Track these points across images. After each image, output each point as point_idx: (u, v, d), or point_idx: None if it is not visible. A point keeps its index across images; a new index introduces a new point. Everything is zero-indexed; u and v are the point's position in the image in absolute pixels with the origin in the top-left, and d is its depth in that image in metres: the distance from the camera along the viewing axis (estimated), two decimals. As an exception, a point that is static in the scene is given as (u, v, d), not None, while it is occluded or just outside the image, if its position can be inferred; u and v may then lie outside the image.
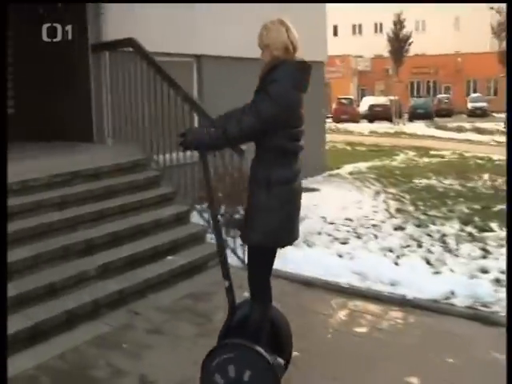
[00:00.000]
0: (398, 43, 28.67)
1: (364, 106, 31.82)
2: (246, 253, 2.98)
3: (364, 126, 26.66)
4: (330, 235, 6.55)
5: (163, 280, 4.77)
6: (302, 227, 6.64)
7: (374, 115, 30.34)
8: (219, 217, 3.11)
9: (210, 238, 5.82)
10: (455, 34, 46.54)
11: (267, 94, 2.62)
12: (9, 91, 7.49)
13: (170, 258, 5.09)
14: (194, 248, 5.39)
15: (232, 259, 5.42)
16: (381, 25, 49.81)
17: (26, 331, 3.67)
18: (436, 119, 30.88)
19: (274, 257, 2.94)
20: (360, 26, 51.76)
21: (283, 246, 2.90)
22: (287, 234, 2.82)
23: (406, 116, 32.03)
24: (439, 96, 37.60)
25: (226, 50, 8.48)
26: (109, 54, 6.56)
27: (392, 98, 30.16)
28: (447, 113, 33.35)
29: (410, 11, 36.24)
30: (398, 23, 29.05)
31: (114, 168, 5.63)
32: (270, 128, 2.65)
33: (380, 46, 41.72)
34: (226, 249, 3.06)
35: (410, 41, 29.01)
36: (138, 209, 5.31)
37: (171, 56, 7.22)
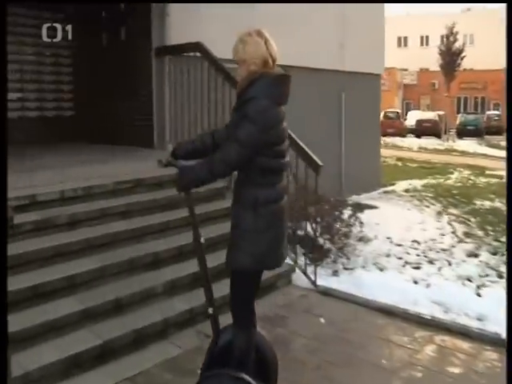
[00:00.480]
0: (450, 57, 27.93)
1: (411, 120, 31.15)
2: (230, 276, 2.81)
3: (412, 141, 26.04)
4: (399, 258, 6.21)
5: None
6: (370, 248, 6.57)
7: (421, 130, 29.62)
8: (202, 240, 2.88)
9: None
10: (504, 49, 45.28)
11: (246, 116, 2.50)
12: (67, 94, 7.45)
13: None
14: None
15: (299, 279, 5.19)
16: (427, 37, 49.10)
17: (95, 349, 3.46)
18: (486, 137, 30.00)
19: (259, 279, 2.84)
20: (406, 38, 51.03)
21: (272, 268, 2.80)
22: (276, 255, 2.71)
23: (452, 132, 31.22)
24: (488, 113, 36.54)
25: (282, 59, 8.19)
26: (172, 58, 6.39)
27: (440, 113, 29.44)
28: (497, 130, 32.27)
29: (458, 24, 35.49)
30: (451, 36, 28.31)
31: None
32: (256, 151, 2.54)
33: (426, 59, 41.06)
34: (209, 274, 2.90)
35: (463, 55, 28.24)
36: (204, 221, 5.06)
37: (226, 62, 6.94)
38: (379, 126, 12.58)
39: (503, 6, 41.41)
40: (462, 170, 15.97)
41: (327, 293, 5.00)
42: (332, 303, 4.83)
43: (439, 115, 29.64)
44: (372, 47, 10.95)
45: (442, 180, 13.89)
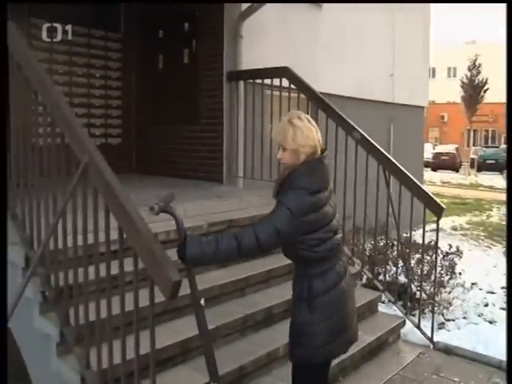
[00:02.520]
0: (473, 89, 27.90)
1: (426, 153, 30.99)
2: (292, 371, 2.71)
3: (431, 175, 25.73)
4: (502, 309, 5.71)
5: (354, 362, 4.00)
6: (462, 295, 6.09)
7: (438, 163, 29.43)
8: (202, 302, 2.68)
9: (384, 306, 5.10)
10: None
11: (282, 203, 2.44)
12: (115, 119, 7.02)
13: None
14: (370, 319, 4.64)
15: (412, 335, 4.70)
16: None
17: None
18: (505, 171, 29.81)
19: (325, 373, 2.71)
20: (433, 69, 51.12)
21: (335, 357, 2.72)
22: (338, 343, 2.60)
23: (465, 166, 31.04)
24: (502, 146, 36.61)
25: (340, 89, 7.91)
26: (247, 84, 5.99)
27: (456, 146, 29.29)
28: (512, 165, 32.21)
29: (464, 56, 35.60)
30: (474, 68, 28.34)
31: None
32: (290, 236, 2.45)
33: (454, 91, 40.96)
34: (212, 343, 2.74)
35: (486, 87, 28.24)
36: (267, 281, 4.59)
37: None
38: (423, 160, 12.24)
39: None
40: (499, 206, 15.60)
41: (450, 351, 4.50)
42: (461, 364, 4.33)
43: (457, 149, 29.50)
44: (418, 78, 10.74)
45: (484, 217, 13.53)
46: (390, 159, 4.85)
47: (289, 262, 2.72)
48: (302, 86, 5.32)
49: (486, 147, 33.68)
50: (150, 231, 2.36)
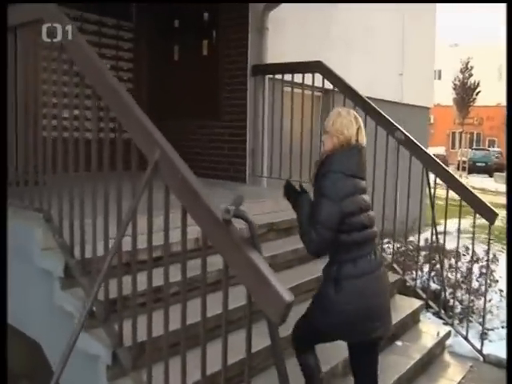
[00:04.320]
0: (465, 92, 27.94)
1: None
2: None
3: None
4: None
5: (408, 378, 3.75)
6: (502, 303, 5.87)
7: (428, 165, 29.34)
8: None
9: (427, 316, 4.87)
10: (499, 85, 46.21)
11: (320, 190, 2.61)
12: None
13: (399, 343, 4.10)
14: (414, 329, 4.41)
15: (459, 346, 4.49)
16: (439, 72, 49.61)
17: None
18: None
19: (321, 341, 2.87)
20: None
21: (349, 340, 2.81)
22: (357, 331, 2.65)
23: (453, 168, 31.11)
24: (492, 149, 36.92)
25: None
26: (272, 79, 5.72)
27: (444, 148, 29.32)
28: (498, 167, 32.47)
29: (449, 59, 35.73)
30: (466, 71, 28.36)
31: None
32: (335, 224, 2.57)
33: (439, 93, 41.18)
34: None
35: (478, 90, 28.30)
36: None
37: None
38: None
39: (492, 43, 42.44)
40: (495, 208, 15.55)
41: (501, 364, 4.27)
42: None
43: (446, 151, 29.52)
44: (425, 79, 10.60)
45: (485, 220, 13.41)
46: (436, 161, 4.63)
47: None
48: (337, 81, 5.07)
49: (476, 149, 33.87)
50: (245, 240, 2.07)
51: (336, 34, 7.59)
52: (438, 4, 11.26)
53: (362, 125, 2.77)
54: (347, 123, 2.70)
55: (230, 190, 5.29)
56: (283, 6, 5.77)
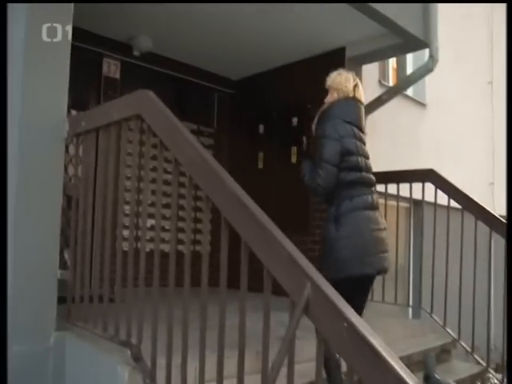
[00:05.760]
0: None
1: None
2: None
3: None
4: None
5: None
6: None
7: None
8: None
9: None
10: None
11: (322, 134, 2.95)
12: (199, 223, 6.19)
13: None
14: None
15: None
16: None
17: None
18: None
19: (350, 290, 2.47)
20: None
21: (357, 275, 2.82)
22: (358, 264, 2.81)
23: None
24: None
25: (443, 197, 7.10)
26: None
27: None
28: None
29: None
30: None
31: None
32: (338, 161, 2.89)
33: None
34: None
35: None
36: None
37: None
38: None
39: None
40: None
41: None
42: None
43: None
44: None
45: None
46: None
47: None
48: (455, 191, 4.46)
49: None
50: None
51: (424, 139, 7.19)
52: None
53: (360, 83, 3.12)
54: (345, 80, 3.08)
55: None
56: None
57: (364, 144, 3.04)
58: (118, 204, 2.82)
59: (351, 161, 2.91)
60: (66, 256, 3.70)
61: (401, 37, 4.62)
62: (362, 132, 3.05)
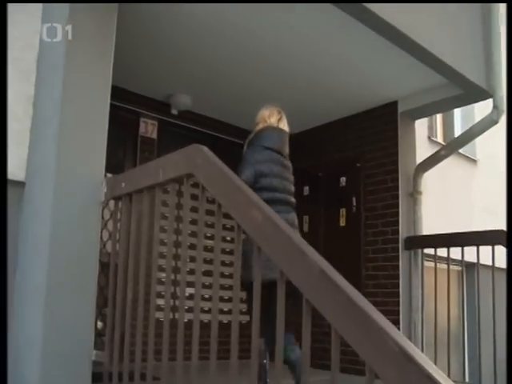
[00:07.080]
0: None
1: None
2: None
3: None
4: None
5: None
6: None
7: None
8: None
9: None
10: None
11: (243, 157, 3.34)
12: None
13: None
14: None
15: None
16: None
17: None
18: None
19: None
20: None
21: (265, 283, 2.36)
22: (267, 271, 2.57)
23: None
24: None
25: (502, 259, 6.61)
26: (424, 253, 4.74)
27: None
28: None
29: None
30: None
31: None
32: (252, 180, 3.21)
33: None
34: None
35: None
36: None
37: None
38: None
39: None
40: None
41: None
42: None
43: None
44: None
45: None
46: None
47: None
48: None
49: None
50: None
51: (476, 198, 6.75)
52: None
53: (284, 116, 3.45)
54: (270, 114, 3.43)
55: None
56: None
57: (284, 167, 3.32)
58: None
59: (264, 182, 3.21)
60: (99, 325, 3.36)
61: (461, 87, 4.27)
62: (283, 156, 3.34)
